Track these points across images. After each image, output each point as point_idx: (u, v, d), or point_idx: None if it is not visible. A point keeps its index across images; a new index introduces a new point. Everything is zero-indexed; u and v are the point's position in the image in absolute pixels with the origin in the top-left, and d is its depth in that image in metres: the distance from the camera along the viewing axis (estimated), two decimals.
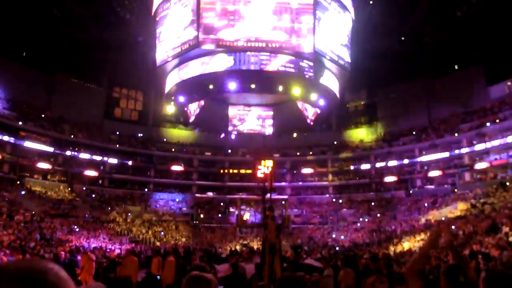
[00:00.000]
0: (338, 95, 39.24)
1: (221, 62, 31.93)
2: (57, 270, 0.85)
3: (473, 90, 39.36)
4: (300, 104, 41.05)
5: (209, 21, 30.28)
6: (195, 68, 33.25)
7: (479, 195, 32.08)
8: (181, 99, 35.42)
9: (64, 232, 27.85)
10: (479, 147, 36.11)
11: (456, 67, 42.35)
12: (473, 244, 19.57)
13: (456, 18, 32.83)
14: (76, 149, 41.74)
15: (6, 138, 35.70)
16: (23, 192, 34.16)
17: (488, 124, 35.94)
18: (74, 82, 44.72)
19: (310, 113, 41.70)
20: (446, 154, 39.09)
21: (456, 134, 38.83)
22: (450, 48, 37.69)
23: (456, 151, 38.18)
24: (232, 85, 31.98)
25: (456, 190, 36.78)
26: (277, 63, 31.01)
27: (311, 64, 31.82)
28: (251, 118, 49.17)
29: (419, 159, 41.71)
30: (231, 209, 42.18)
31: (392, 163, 43.41)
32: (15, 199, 31.80)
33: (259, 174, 14.08)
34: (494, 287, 2.00)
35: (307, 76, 31.92)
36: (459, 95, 39.95)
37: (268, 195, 12.74)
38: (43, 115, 41.29)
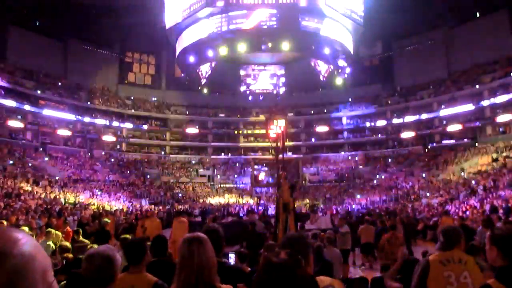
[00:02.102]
0: (351, 50, 37.85)
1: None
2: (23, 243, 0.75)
3: (497, 38, 37.20)
4: (312, 61, 39.96)
5: None
6: (200, 31, 32.50)
7: (501, 149, 31.33)
8: (192, 59, 34.91)
9: (86, 195, 28.89)
10: (501, 98, 34.78)
11: (477, 14, 39.87)
12: (494, 199, 19.39)
13: None
14: (93, 115, 42.38)
15: (27, 107, 36.41)
16: (46, 159, 35.28)
17: None
18: (87, 49, 44.58)
19: (323, 69, 40.61)
20: (466, 108, 37.83)
21: (477, 86, 37.42)
22: None
23: (477, 104, 36.91)
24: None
25: (476, 144, 36.00)
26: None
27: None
28: (263, 77, 48.45)
29: (437, 114, 40.67)
30: (247, 169, 42.70)
31: (409, 118, 42.55)
32: (39, 165, 32.92)
33: (272, 134, 14.01)
34: (501, 244, 1.92)
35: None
36: (481, 44, 37.79)
37: (281, 155, 12.78)
38: (59, 83, 41.70)
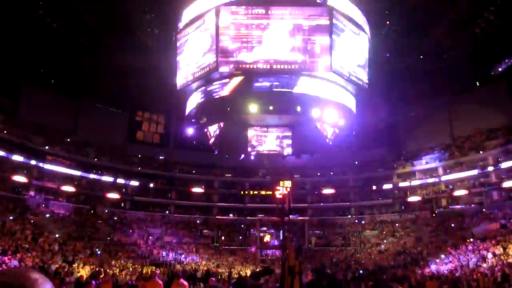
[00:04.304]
0: (356, 113, 38.81)
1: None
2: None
3: (497, 106, 38.36)
4: (319, 124, 40.87)
5: (227, 44, 30.85)
6: (211, 92, 33.68)
7: (509, 215, 30.80)
8: (202, 121, 35.79)
9: (86, 254, 28.14)
10: (506, 164, 34.86)
11: (477, 83, 41.47)
12: (505, 267, 18.65)
13: (475, 34, 32.36)
14: (100, 172, 42.71)
15: (33, 162, 36.96)
16: (47, 215, 34.96)
17: None
18: (99, 107, 46.27)
19: (329, 132, 41.33)
20: (471, 173, 37.84)
21: (481, 152, 37.72)
22: (471, 64, 37.07)
23: (483, 170, 36.92)
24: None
25: (484, 209, 35.41)
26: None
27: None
28: (270, 139, 49.18)
29: (443, 178, 40.53)
30: (252, 231, 41.79)
31: (416, 182, 42.35)
32: (40, 222, 32.52)
33: (278, 195, 13.91)
34: None
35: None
36: (482, 112, 38.97)
37: (287, 217, 12.65)
38: (68, 139, 42.68)
